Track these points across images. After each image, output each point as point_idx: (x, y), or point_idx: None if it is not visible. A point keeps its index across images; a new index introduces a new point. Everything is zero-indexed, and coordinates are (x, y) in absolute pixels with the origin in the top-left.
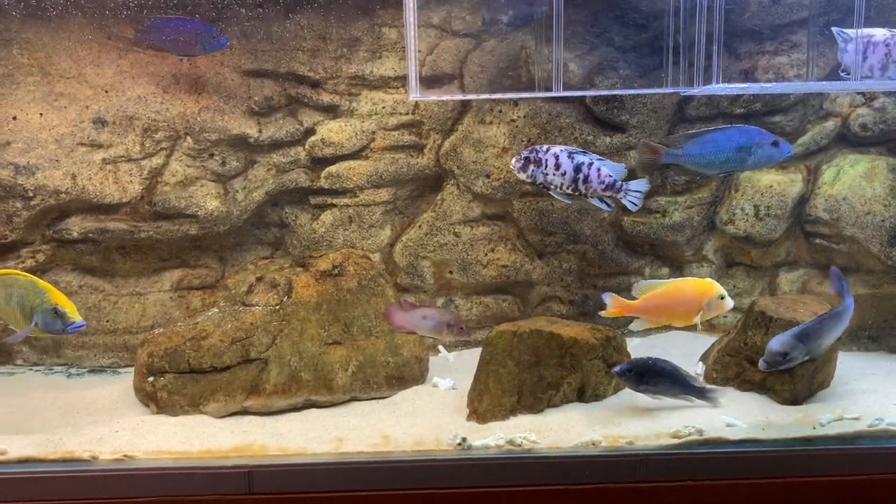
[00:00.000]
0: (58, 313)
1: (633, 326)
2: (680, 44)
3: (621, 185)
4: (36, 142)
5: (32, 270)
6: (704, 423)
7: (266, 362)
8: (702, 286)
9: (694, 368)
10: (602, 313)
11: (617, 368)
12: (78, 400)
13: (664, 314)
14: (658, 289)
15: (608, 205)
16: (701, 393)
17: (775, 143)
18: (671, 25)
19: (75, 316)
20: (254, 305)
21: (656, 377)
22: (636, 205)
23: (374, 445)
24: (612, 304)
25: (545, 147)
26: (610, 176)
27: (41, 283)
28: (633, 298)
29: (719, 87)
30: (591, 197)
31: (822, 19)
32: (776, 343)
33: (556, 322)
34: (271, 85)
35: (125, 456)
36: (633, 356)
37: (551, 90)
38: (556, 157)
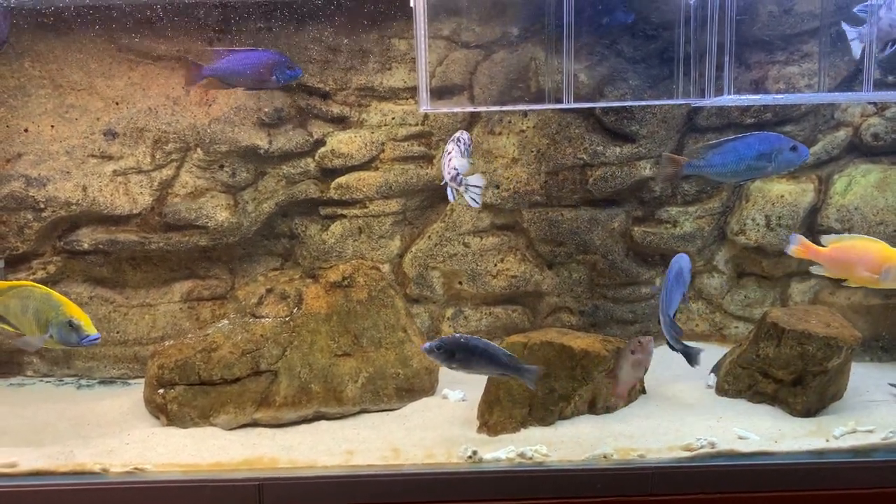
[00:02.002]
0: (73, 326)
1: (813, 269)
2: (690, 54)
3: (462, 180)
4: (47, 154)
5: (43, 282)
6: (717, 435)
7: (276, 374)
8: (887, 251)
9: (706, 380)
10: (788, 250)
11: (426, 345)
12: (88, 412)
13: (845, 268)
14: (847, 242)
15: (453, 196)
16: (518, 370)
17: (794, 148)
18: (681, 36)
19: (90, 329)
20: (264, 317)
21: (468, 355)
22: (476, 202)
23: (385, 458)
24: (800, 244)
25: (458, 132)
26: (455, 169)
27: (56, 295)
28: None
29: (731, 99)
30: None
31: (833, 29)
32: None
33: (566, 333)
34: (281, 96)
35: (136, 468)
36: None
37: (561, 101)
38: (450, 142)
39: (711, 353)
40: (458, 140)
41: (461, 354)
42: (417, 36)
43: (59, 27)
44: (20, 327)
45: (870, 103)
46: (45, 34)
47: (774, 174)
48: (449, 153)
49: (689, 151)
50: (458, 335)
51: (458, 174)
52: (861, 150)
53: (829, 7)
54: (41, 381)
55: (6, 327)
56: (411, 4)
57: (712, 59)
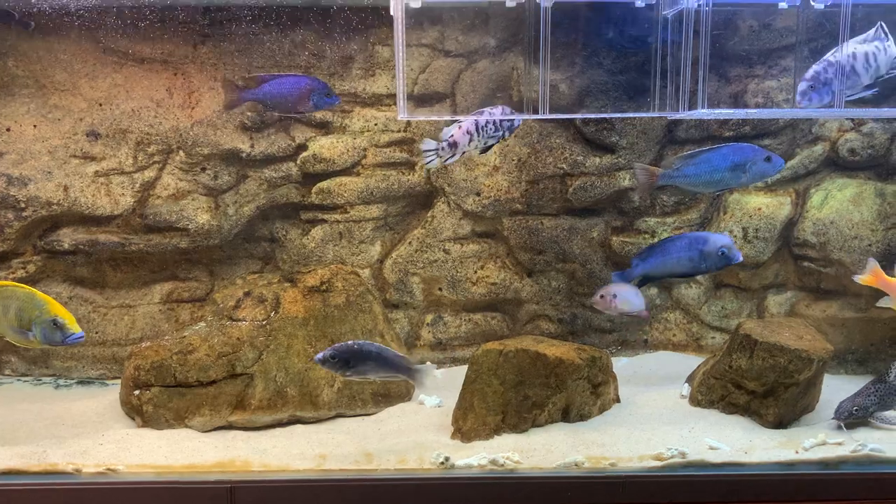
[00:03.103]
0: (57, 325)
1: (880, 303)
2: (668, 68)
3: (444, 150)
4: (29, 153)
5: (23, 281)
6: (688, 445)
7: (252, 377)
8: None
9: (680, 390)
10: (857, 278)
11: (319, 356)
12: (64, 412)
13: None
14: None
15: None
16: (409, 372)
17: (768, 159)
18: (659, 50)
19: (74, 327)
20: (241, 320)
21: (363, 361)
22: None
23: (357, 463)
24: (872, 273)
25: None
26: (450, 137)
27: (40, 294)
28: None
29: (704, 112)
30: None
31: (809, 45)
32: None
33: (542, 341)
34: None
35: (108, 469)
36: (618, 377)
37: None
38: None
39: (687, 364)
40: (480, 112)
41: (355, 362)
42: (397, 44)
43: (43, 27)
44: (1, 327)
45: (847, 119)
46: (30, 34)
47: (749, 185)
48: (460, 123)
49: (666, 163)
50: (350, 342)
51: (444, 145)
52: (838, 164)
53: (806, 23)
54: (19, 380)
55: None
56: (391, 13)
57: (687, 73)
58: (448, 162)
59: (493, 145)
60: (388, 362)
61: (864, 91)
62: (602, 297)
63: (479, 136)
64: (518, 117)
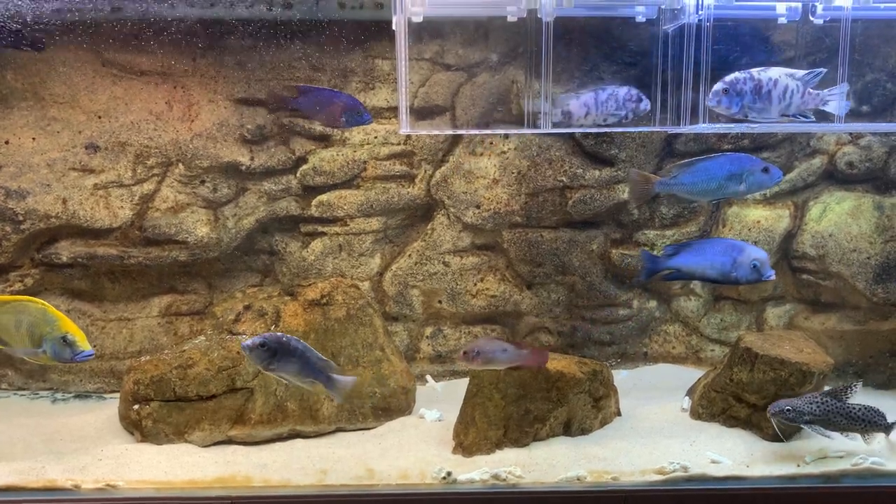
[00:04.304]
0: (67, 342)
1: None
2: (668, 83)
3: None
4: (28, 166)
5: (20, 294)
6: (690, 459)
7: (252, 392)
8: None
9: (680, 403)
10: None
11: (247, 342)
12: (62, 426)
13: None
14: None
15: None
16: (329, 381)
17: (765, 170)
18: (659, 64)
19: (84, 344)
20: (241, 334)
21: (288, 356)
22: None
23: (359, 478)
24: None
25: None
26: (564, 108)
27: (52, 310)
28: None
29: (705, 127)
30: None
31: (807, 60)
32: None
33: None
34: (264, 113)
35: (108, 485)
36: (618, 390)
37: (540, 126)
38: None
39: (687, 377)
40: (603, 89)
41: (282, 355)
42: (399, 58)
43: (42, 40)
44: (12, 343)
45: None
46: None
47: (746, 195)
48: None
49: (663, 171)
50: (279, 334)
51: (557, 112)
52: (836, 177)
53: (805, 38)
54: (16, 394)
55: None
56: (394, 27)
57: (688, 87)
58: (560, 130)
59: (612, 124)
60: (311, 364)
61: (771, 122)
62: (465, 353)
63: (596, 111)
64: (519, 132)
